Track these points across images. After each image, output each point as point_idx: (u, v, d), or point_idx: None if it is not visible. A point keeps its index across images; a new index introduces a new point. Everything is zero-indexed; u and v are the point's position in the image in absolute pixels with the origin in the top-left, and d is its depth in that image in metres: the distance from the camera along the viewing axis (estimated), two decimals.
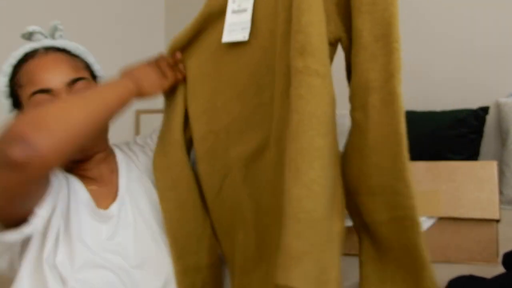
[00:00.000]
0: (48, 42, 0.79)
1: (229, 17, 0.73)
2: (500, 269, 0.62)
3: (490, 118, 1.68)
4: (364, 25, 0.60)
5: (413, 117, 1.85)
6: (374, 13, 0.59)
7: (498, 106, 1.66)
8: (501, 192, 1.53)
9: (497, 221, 0.73)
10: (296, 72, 0.60)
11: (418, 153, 1.72)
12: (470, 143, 1.66)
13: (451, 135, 1.67)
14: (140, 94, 0.76)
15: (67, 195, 0.75)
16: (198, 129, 0.81)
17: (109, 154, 0.86)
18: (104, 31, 3.04)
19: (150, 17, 3.42)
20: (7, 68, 0.76)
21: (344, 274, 0.75)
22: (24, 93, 0.75)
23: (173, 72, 0.82)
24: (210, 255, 0.83)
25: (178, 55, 0.82)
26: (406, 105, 1.95)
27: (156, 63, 0.81)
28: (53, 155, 0.59)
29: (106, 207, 0.79)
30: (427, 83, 1.95)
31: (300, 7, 0.60)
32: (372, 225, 0.64)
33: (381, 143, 0.60)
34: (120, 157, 0.88)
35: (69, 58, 0.79)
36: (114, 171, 0.85)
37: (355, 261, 0.79)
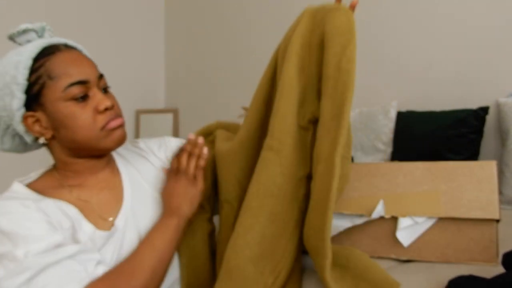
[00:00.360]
0: (62, 40, 0.80)
1: None
2: (500, 269, 0.62)
3: (490, 118, 1.69)
4: (326, 106, 0.73)
5: (413, 117, 1.86)
6: (334, 96, 0.71)
7: (498, 106, 1.66)
8: (501, 192, 1.54)
9: (497, 221, 0.73)
10: (263, 149, 0.79)
11: (418, 153, 1.73)
12: (470, 143, 1.66)
13: (451, 135, 1.67)
14: (187, 217, 0.82)
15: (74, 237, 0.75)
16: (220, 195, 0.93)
17: (111, 157, 0.88)
18: (104, 31, 3.04)
19: (150, 17, 3.42)
20: (28, 61, 0.73)
21: None
22: (57, 85, 0.73)
23: (200, 169, 0.87)
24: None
25: (200, 140, 0.90)
26: (406, 105, 1.95)
27: (183, 172, 0.86)
28: None
29: (112, 216, 0.80)
30: (427, 83, 1.95)
31: (277, 95, 0.79)
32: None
33: (316, 205, 0.70)
34: (118, 159, 0.89)
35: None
36: (117, 174, 0.86)
37: None
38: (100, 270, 0.69)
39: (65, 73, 0.73)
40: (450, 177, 0.74)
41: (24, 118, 0.75)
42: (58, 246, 0.66)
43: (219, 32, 3.15)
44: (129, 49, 3.15)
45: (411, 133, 1.81)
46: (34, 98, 0.74)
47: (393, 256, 0.78)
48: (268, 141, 0.78)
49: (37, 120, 0.75)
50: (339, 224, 0.81)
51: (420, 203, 0.75)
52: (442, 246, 0.75)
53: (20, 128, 0.76)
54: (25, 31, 0.77)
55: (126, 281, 0.69)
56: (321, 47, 0.77)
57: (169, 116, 2.98)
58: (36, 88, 0.73)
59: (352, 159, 1.55)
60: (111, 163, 0.86)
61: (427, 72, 1.95)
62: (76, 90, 0.74)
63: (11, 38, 0.78)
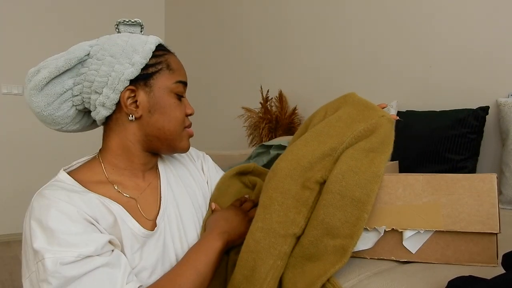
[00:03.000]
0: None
1: None
2: (499, 270, 0.62)
3: (490, 118, 1.69)
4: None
5: (413, 117, 1.86)
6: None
7: (498, 106, 1.66)
8: (501, 192, 1.53)
9: (497, 234, 0.73)
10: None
11: (418, 153, 1.73)
12: (470, 143, 1.66)
13: (451, 135, 1.67)
14: (228, 245, 0.84)
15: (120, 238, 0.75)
16: None
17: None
18: (104, 31, 3.03)
19: (150, 18, 3.42)
20: (153, 46, 0.81)
21: (344, 274, 0.76)
22: (172, 76, 0.82)
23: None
24: None
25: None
26: (406, 105, 1.96)
27: (244, 211, 0.91)
28: None
29: (152, 216, 0.81)
30: (427, 83, 1.95)
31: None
32: None
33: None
34: (159, 162, 0.91)
35: None
36: (158, 176, 0.88)
37: (354, 261, 0.79)
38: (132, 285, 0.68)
39: (179, 70, 0.84)
40: (450, 190, 0.74)
41: (125, 90, 0.78)
42: (89, 257, 0.65)
43: (218, 33, 3.15)
44: None
45: (411, 133, 1.81)
46: (144, 77, 0.79)
47: (393, 258, 0.78)
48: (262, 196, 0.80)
49: (133, 97, 0.79)
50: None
51: (420, 216, 0.75)
52: (442, 247, 0.75)
53: (112, 98, 0.78)
54: (134, 24, 0.84)
55: None
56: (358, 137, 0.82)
57: None
58: (151, 70, 0.80)
59: None
60: (155, 165, 0.89)
61: (427, 72, 1.95)
62: (182, 88, 0.84)
63: (119, 24, 0.84)
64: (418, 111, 1.87)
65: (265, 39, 2.81)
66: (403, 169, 1.50)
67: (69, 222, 0.66)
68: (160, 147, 0.83)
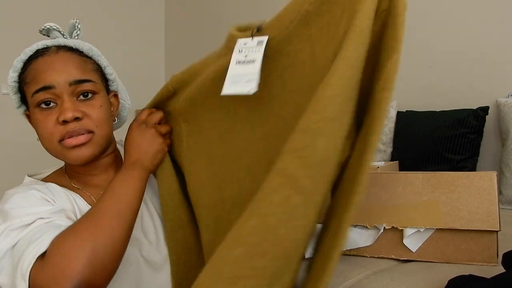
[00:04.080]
0: (62, 41, 0.77)
1: (233, 68, 0.67)
2: (500, 269, 0.62)
3: (490, 118, 1.69)
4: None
5: (413, 117, 1.86)
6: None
7: (498, 106, 1.66)
8: (501, 192, 1.54)
9: (497, 231, 0.73)
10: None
11: (418, 153, 1.73)
12: (470, 143, 1.66)
13: (451, 135, 1.67)
14: (150, 171, 0.78)
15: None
16: (206, 195, 0.78)
17: (116, 157, 0.85)
18: (104, 31, 3.04)
19: (151, 17, 3.42)
20: (17, 64, 0.74)
21: (344, 273, 0.76)
22: (29, 91, 0.73)
23: (165, 127, 0.82)
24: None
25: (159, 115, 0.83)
26: (406, 105, 1.95)
27: (148, 124, 0.81)
28: (108, 281, 0.62)
29: None
30: (427, 83, 1.95)
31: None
32: None
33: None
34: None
35: (79, 58, 0.77)
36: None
37: (354, 260, 0.79)
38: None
39: (35, 79, 0.72)
40: (450, 188, 0.74)
41: (26, 116, 0.78)
42: (38, 219, 0.65)
43: (219, 33, 3.15)
44: (129, 49, 3.15)
45: (411, 133, 1.81)
46: (25, 98, 0.76)
47: (393, 256, 0.78)
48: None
49: None
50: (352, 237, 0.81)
51: (420, 214, 0.75)
52: (442, 246, 0.75)
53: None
54: (49, 30, 0.78)
55: (92, 225, 0.64)
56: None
57: None
58: (22, 90, 0.75)
59: None
60: (117, 162, 0.85)
61: (427, 72, 1.95)
62: (40, 97, 0.71)
63: (41, 33, 0.80)
64: (418, 111, 1.87)
65: None
66: (403, 169, 1.50)
67: (23, 200, 0.68)
68: None
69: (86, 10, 3.10)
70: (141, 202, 0.73)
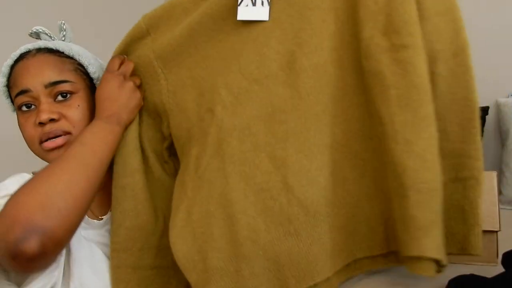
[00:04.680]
0: (42, 43, 0.78)
1: None
2: (500, 270, 0.62)
3: (490, 118, 1.68)
4: None
5: None
6: None
7: (498, 106, 1.66)
8: (501, 192, 1.53)
9: (497, 231, 0.73)
10: (381, 50, 0.62)
11: None
12: None
13: None
14: (125, 126, 0.75)
15: None
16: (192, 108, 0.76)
17: None
18: (104, 31, 3.03)
19: None
20: (5, 69, 0.76)
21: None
22: (12, 95, 0.76)
23: (138, 79, 0.79)
24: (155, 256, 0.77)
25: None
26: None
27: (126, 76, 0.77)
28: (68, 233, 0.58)
29: (102, 214, 0.80)
30: None
31: None
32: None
33: (449, 110, 0.63)
34: None
35: (57, 59, 0.76)
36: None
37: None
38: None
39: (15, 83, 0.74)
40: None
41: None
42: None
43: None
44: None
45: None
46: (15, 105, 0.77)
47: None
48: (394, 41, 0.62)
49: None
50: None
51: None
52: None
53: None
54: (37, 33, 0.79)
55: (50, 172, 0.61)
56: None
57: None
58: (12, 95, 0.76)
59: None
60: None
61: None
62: (19, 100, 0.73)
63: (32, 37, 0.81)
64: None
65: None
66: None
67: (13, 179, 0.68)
68: None
69: (86, 10, 3.10)
70: (111, 158, 0.70)
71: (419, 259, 0.59)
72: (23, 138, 0.83)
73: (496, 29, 1.74)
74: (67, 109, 0.74)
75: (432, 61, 0.63)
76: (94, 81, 0.82)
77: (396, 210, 0.61)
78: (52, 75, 0.74)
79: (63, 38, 0.81)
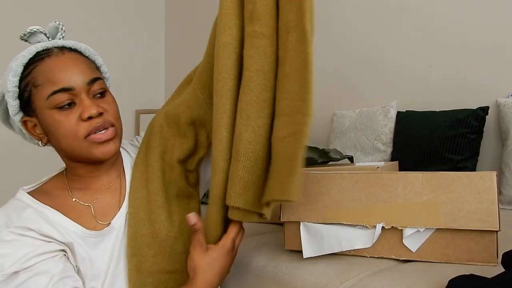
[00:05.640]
0: (60, 42, 0.77)
1: None
2: (500, 269, 0.62)
3: (489, 118, 1.69)
4: None
5: (413, 117, 1.86)
6: None
7: (498, 106, 1.66)
8: (501, 192, 1.54)
9: (497, 231, 0.73)
10: (246, 36, 0.74)
11: (418, 153, 1.73)
12: (469, 143, 1.66)
13: (451, 135, 1.67)
14: None
15: None
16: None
17: (117, 157, 0.86)
18: (104, 31, 3.05)
19: (151, 17, 3.42)
20: (18, 68, 0.73)
21: (344, 273, 0.76)
22: (41, 94, 0.72)
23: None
24: (168, 260, 0.79)
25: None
26: (406, 105, 1.95)
27: (234, 251, 0.78)
28: None
29: (111, 217, 0.80)
30: (427, 83, 1.95)
31: None
32: (273, 141, 0.72)
33: (294, 71, 0.69)
34: (126, 158, 0.87)
35: (85, 58, 0.78)
36: (122, 174, 0.85)
37: (354, 260, 0.79)
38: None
39: (49, 81, 0.72)
40: (450, 187, 0.74)
41: (23, 122, 0.77)
42: (14, 273, 0.68)
43: None
44: (129, 49, 3.15)
45: (411, 133, 1.81)
46: (27, 104, 0.75)
47: (393, 256, 0.78)
48: (255, 28, 0.73)
49: (35, 125, 0.77)
50: (349, 235, 0.81)
51: (420, 214, 0.75)
52: (442, 246, 0.75)
53: (24, 131, 0.79)
54: (33, 33, 0.77)
55: None
56: None
57: None
58: (26, 95, 0.74)
59: (352, 159, 1.55)
60: (117, 164, 0.85)
61: (427, 72, 1.95)
62: (60, 98, 0.72)
63: (22, 39, 0.78)
64: (418, 111, 1.87)
65: None
66: (403, 169, 1.50)
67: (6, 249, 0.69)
68: (82, 160, 0.77)
69: (85, 10, 3.10)
70: None
71: (237, 208, 0.72)
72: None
73: (496, 29, 1.74)
74: (107, 104, 0.77)
75: (286, 31, 0.71)
76: (105, 80, 0.83)
77: (231, 169, 0.73)
78: (89, 72, 0.76)
79: (61, 39, 0.81)
